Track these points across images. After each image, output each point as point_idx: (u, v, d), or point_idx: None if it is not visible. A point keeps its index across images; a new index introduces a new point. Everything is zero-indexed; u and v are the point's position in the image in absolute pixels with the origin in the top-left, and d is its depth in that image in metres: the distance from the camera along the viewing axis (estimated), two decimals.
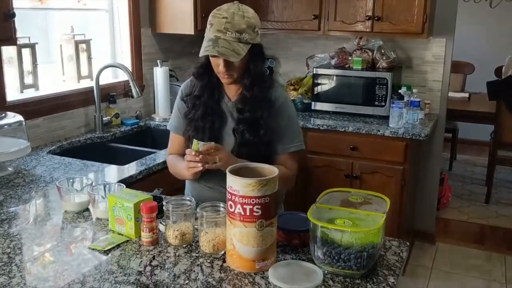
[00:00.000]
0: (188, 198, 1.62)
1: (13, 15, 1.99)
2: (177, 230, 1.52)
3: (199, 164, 1.71)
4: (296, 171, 1.93)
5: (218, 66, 1.76)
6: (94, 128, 2.96)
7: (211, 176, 1.89)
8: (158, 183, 1.99)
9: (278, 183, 1.36)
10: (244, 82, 1.81)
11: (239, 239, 1.35)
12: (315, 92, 3.54)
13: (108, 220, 1.64)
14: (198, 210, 1.50)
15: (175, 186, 2.15)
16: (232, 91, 1.89)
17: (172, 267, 1.40)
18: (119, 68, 2.98)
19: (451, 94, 4.19)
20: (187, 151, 1.74)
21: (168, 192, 1.89)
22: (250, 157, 1.72)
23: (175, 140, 2.01)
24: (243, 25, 1.69)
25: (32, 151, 2.39)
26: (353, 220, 1.39)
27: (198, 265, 1.41)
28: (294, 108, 1.95)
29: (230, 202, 1.34)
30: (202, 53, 1.72)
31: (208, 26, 1.74)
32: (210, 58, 1.78)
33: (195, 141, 1.72)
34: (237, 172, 1.35)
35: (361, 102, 3.42)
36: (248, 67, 1.79)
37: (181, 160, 1.85)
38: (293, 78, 3.84)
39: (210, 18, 1.74)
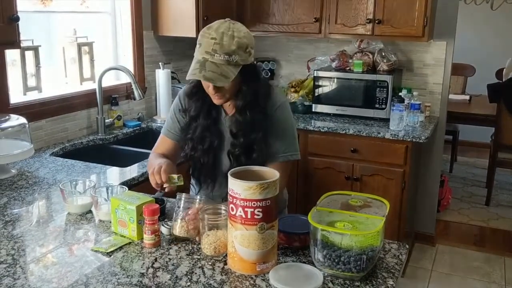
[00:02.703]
0: (198, 197, 1.66)
1: (17, 18, 2.00)
2: (184, 221, 1.55)
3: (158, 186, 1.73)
4: (284, 183, 1.86)
5: (209, 87, 1.70)
6: (97, 130, 2.98)
7: (217, 186, 1.92)
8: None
9: None
10: (237, 104, 1.75)
11: (240, 242, 1.37)
12: (316, 95, 3.56)
13: (110, 222, 1.66)
14: (199, 213, 1.52)
15: (176, 190, 2.16)
16: (228, 106, 1.84)
17: (174, 269, 1.42)
18: (121, 70, 3.00)
19: (451, 96, 4.21)
20: (157, 178, 1.71)
21: (170, 194, 1.90)
22: None
23: (164, 142, 1.96)
24: (232, 47, 1.60)
25: (35, 153, 2.41)
26: (353, 223, 1.41)
27: (199, 267, 1.43)
28: (290, 117, 1.88)
29: (231, 205, 1.36)
30: (188, 76, 1.65)
31: (197, 45, 1.66)
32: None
33: (171, 176, 1.71)
34: (238, 175, 1.37)
35: (362, 105, 3.44)
36: (241, 88, 1.73)
37: (159, 159, 1.83)
38: (294, 80, 3.85)
39: (199, 37, 1.66)
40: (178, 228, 1.57)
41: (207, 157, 1.83)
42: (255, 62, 1.76)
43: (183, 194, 1.63)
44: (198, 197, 1.66)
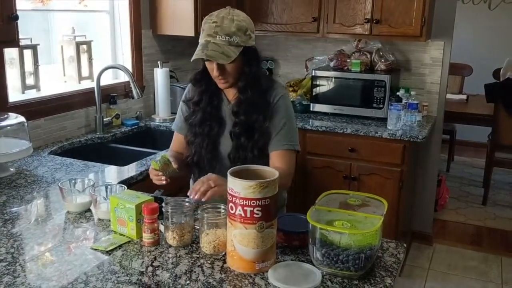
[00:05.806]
0: (187, 200, 1.65)
1: (17, 17, 2.00)
2: (175, 231, 1.54)
3: (163, 179, 1.80)
4: (292, 169, 1.91)
5: (213, 70, 1.79)
6: (95, 129, 2.98)
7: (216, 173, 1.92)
8: (159, 185, 2.01)
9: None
10: (239, 85, 1.84)
11: (239, 241, 1.37)
12: (314, 94, 3.57)
13: (109, 221, 1.67)
14: (199, 211, 1.52)
15: (176, 187, 2.17)
16: (231, 95, 1.92)
17: (173, 268, 1.42)
18: (120, 69, 3.00)
19: (449, 96, 4.21)
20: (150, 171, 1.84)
21: (169, 193, 1.91)
22: (246, 161, 1.77)
23: (177, 139, 2.06)
24: (232, 28, 1.72)
25: (34, 152, 2.41)
26: (352, 222, 1.41)
27: (199, 266, 1.44)
28: (291, 108, 1.94)
29: (231, 204, 1.37)
30: (193, 58, 1.76)
31: (201, 32, 1.78)
32: (206, 63, 1.81)
33: (152, 161, 1.81)
34: (238, 174, 1.37)
35: (360, 104, 3.45)
36: (243, 70, 1.81)
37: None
38: (292, 80, 3.86)
39: (202, 24, 1.78)
40: (171, 240, 1.55)
41: (207, 141, 1.90)
42: (255, 47, 1.84)
43: (170, 200, 1.62)
44: (187, 200, 1.63)
